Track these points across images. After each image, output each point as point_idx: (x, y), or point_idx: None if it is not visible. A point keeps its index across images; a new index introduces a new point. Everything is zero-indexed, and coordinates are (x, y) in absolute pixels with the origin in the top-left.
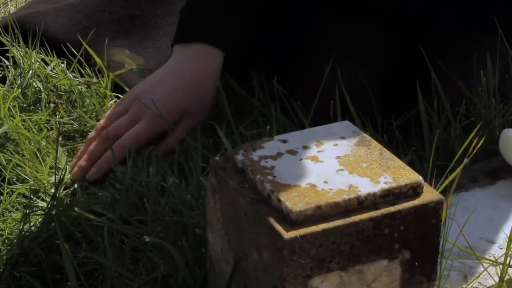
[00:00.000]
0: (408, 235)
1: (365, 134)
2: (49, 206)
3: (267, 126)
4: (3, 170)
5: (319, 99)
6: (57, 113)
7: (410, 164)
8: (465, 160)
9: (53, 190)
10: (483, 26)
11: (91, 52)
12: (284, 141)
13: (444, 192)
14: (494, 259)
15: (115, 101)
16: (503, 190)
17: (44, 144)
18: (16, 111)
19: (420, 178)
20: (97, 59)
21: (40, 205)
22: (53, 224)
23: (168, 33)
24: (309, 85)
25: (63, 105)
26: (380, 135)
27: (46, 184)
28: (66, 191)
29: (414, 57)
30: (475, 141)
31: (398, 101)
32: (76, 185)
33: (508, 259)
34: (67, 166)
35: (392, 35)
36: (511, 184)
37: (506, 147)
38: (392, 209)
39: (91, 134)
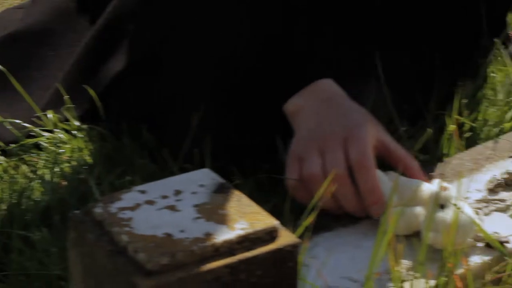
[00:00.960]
0: (265, 280)
1: (224, 181)
2: None
3: (127, 177)
4: None
5: (189, 146)
6: None
7: (275, 207)
8: (320, 203)
9: None
10: None
11: None
12: (143, 192)
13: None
14: None
15: None
16: (367, 229)
17: None
18: None
19: (276, 222)
20: None
21: None
22: None
23: (41, 86)
24: (177, 132)
25: None
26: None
27: None
28: None
29: None
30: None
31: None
32: None
33: None
34: None
35: None
36: (375, 222)
37: None
38: (248, 254)
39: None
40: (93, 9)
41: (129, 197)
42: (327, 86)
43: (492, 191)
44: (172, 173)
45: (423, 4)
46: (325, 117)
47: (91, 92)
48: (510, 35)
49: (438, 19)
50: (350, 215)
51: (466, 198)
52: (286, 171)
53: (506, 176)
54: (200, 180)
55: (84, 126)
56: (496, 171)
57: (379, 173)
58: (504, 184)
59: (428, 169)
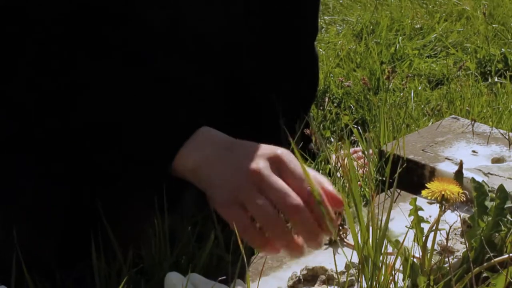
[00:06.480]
0: None
1: None
2: None
3: None
4: None
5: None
6: None
7: None
8: None
9: None
10: None
11: None
12: None
13: None
14: None
15: None
16: None
17: None
18: None
19: None
20: None
21: None
22: None
23: None
24: None
25: None
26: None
27: None
28: None
29: None
30: None
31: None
32: None
33: None
34: None
35: None
36: None
37: None
38: None
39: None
40: None
41: None
42: (214, 133)
43: (292, 287)
44: None
45: None
46: (236, 160)
47: None
48: (307, 133)
49: None
50: None
51: None
52: (230, 220)
53: (305, 272)
54: None
55: None
56: (296, 267)
57: (178, 276)
58: (303, 280)
59: (233, 268)
